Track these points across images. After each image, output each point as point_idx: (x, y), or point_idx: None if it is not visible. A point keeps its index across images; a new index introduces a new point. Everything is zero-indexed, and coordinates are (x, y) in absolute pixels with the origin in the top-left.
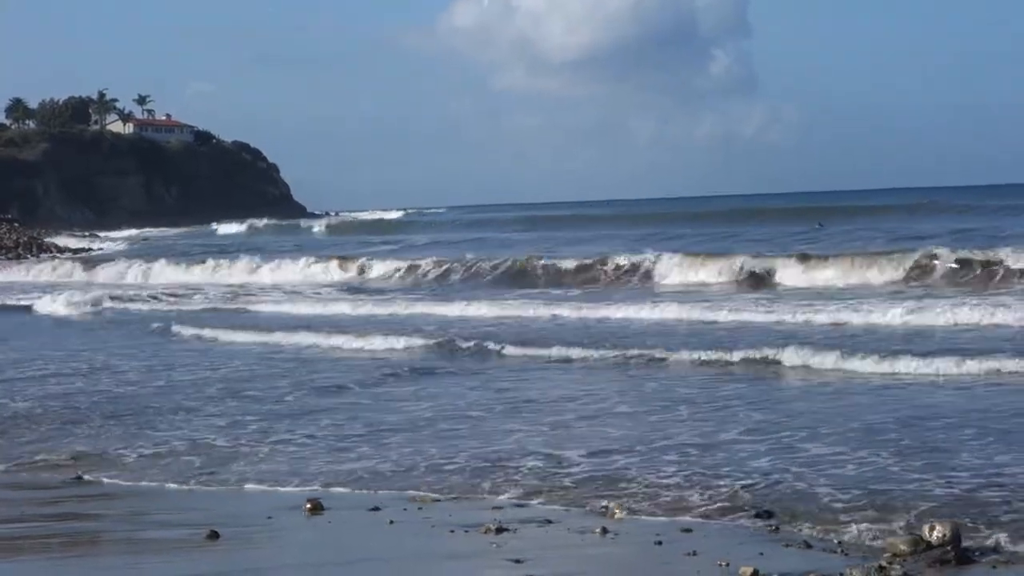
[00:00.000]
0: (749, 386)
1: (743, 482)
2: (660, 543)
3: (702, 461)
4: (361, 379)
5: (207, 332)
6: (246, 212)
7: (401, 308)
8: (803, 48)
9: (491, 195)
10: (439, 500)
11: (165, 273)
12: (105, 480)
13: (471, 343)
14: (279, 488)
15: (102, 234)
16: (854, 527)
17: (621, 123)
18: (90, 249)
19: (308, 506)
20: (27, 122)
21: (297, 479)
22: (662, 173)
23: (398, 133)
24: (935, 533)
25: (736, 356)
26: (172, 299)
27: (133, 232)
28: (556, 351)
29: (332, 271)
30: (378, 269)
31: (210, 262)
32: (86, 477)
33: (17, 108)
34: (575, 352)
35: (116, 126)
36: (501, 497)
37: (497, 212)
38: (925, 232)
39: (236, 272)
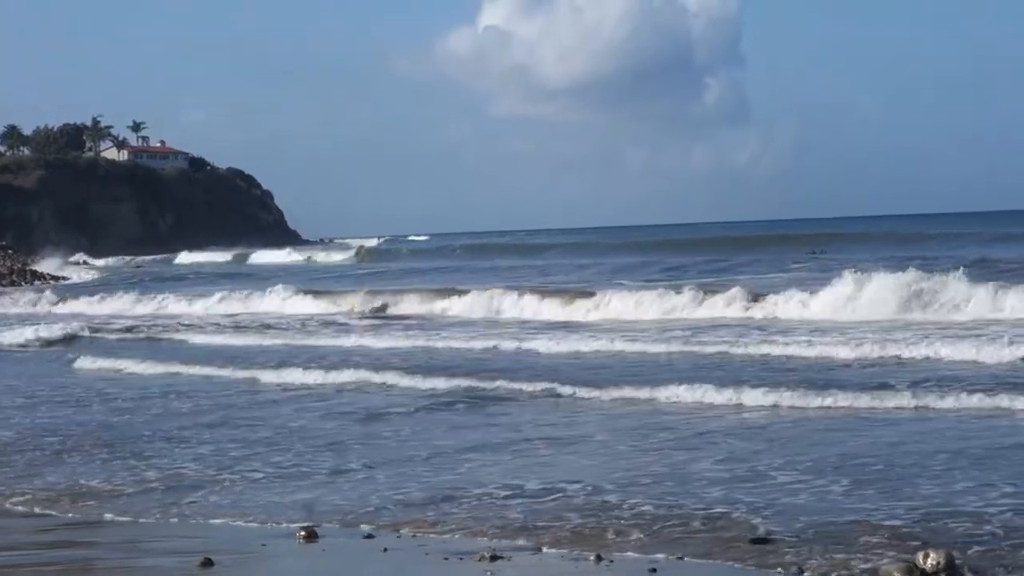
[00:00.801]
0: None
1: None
2: (654, 571)
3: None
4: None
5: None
6: (239, 239)
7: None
8: (796, 77)
9: (487, 222)
10: (433, 529)
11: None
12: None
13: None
14: (272, 517)
15: (90, 262)
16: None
17: (616, 150)
18: (67, 278)
19: (302, 534)
20: (22, 149)
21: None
22: (657, 200)
23: (394, 159)
24: (929, 561)
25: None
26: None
27: (113, 260)
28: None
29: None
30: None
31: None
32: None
33: (12, 135)
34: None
35: (111, 153)
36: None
37: (476, 239)
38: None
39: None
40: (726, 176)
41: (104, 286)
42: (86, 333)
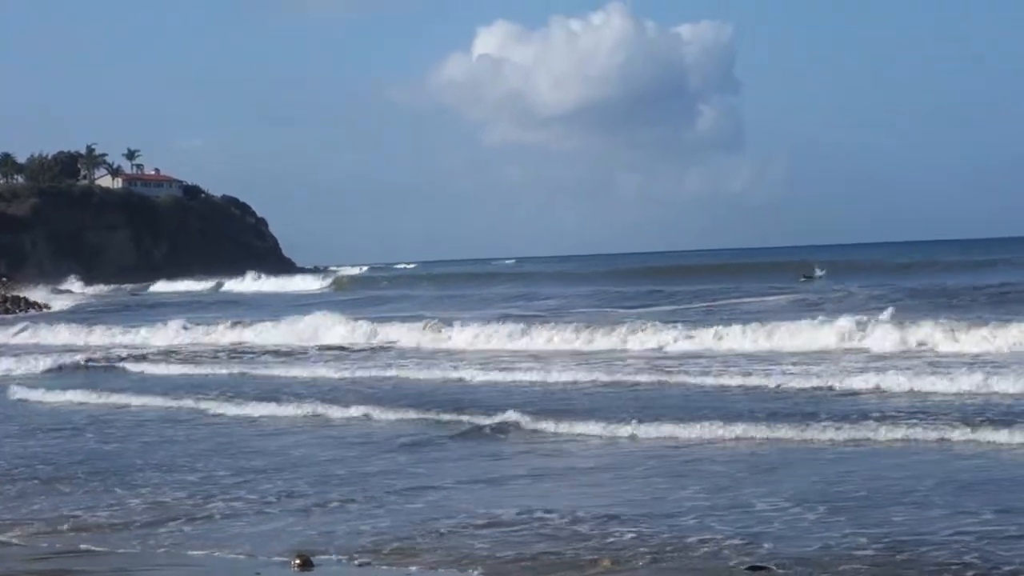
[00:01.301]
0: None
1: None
2: None
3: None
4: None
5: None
6: (233, 267)
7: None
8: (790, 103)
9: (481, 249)
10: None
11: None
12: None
13: None
14: (260, 549)
15: (74, 290)
16: None
17: (610, 177)
18: (48, 306)
19: (297, 562)
20: (16, 177)
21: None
22: (650, 227)
23: (389, 187)
24: None
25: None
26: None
27: (103, 288)
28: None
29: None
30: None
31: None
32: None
33: (6, 163)
34: None
35: (105, 181)
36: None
37: (461, 267)
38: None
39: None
40: (721, 203)
41: (77, 315)
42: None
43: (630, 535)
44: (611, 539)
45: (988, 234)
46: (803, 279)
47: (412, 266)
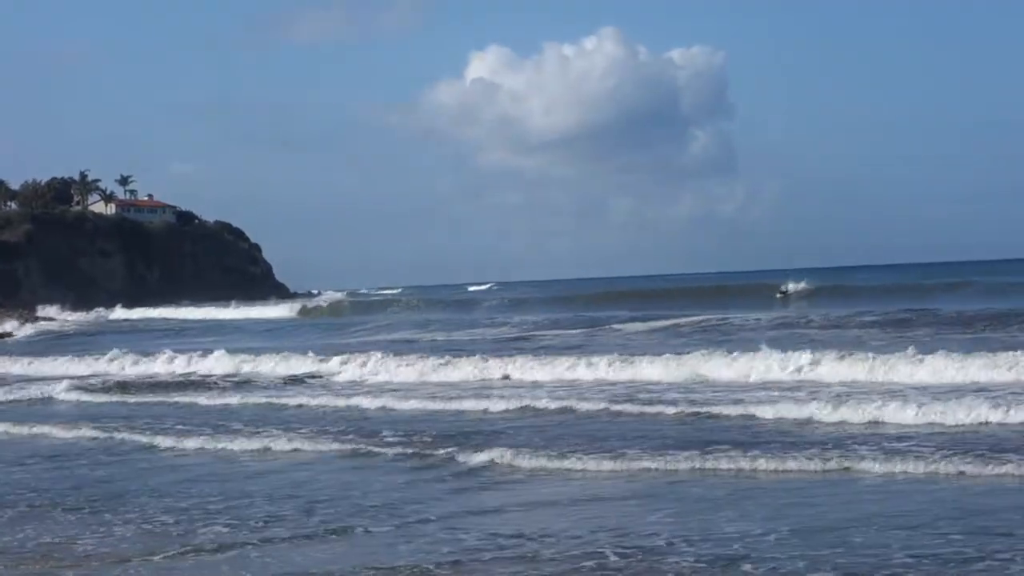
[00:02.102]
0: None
1: None
2: None
3: None
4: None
5: None
6: (227, 292)
7: None
8: (784, 127)
9: (472, 273)
10: None
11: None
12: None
13: None
14: None
15: (56, 317)
16: None
17: (603, 201)
18: (10, 334)
19: None
20: (9, 203)
21: None
22: (643, 251)
23: (382, 211)
24: None
25: None
26: None
27: (82, 315)
28: None
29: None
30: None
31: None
32: None
33: None
34: None
35: (98, 207)
36: None
37: (437, 293)
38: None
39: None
40: (715, 226)
41: (32, 344)
42: None
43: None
44: None
45: (992, 256)
46: (780, 295)
47: (397, 291)
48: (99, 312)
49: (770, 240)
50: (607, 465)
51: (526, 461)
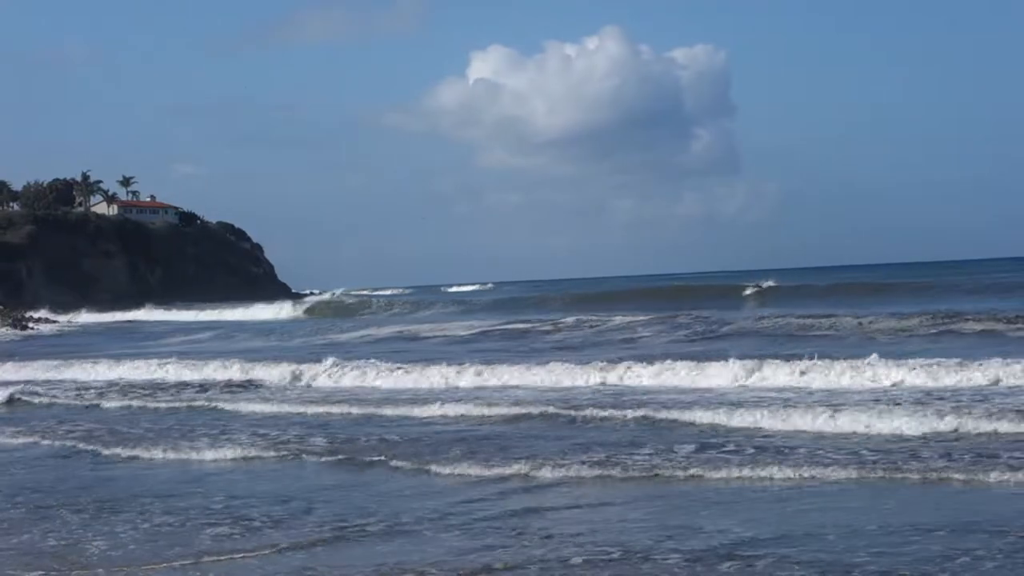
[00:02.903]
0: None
1: None
2: None
3: None
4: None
5: None
6: (229, 293)
7: None
8: (786, 127)
9: (474, 273)
10: None
11: None
12: None
13: None
14: None
15: (51, 318)
16: None
17: (605, 201)
18: None
19: None
20: (11, 204)
21: None
22: (646, 250)
23: (384, 211)
24: None
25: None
26: None
27: (76, 316)
28: None
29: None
30: None
31: None
32: None
33: (1, 190)
34: None
35: (101, 208)
36: None
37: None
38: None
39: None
40: (716, 225)
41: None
42: None
43: None
44: None
45: (995, 254)
46: (756, 287)
47: (392, 291)
48: (93, 314)
49: (770, 240)
50: None
51: None
